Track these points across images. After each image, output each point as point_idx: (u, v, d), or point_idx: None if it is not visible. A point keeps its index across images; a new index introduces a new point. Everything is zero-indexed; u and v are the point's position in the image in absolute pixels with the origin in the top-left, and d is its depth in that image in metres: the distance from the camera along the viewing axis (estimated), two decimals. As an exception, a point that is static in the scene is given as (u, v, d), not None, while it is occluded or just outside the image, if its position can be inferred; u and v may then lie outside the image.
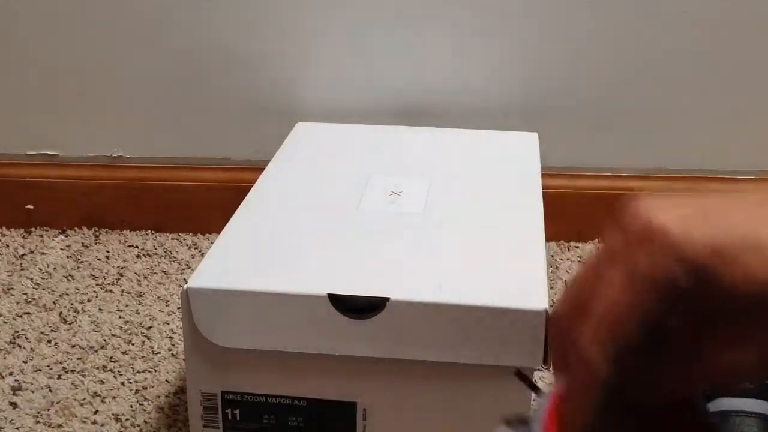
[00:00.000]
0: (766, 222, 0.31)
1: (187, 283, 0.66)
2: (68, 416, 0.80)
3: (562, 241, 1.09)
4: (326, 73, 1.06)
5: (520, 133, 0.94)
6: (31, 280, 1.01)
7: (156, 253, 1.07)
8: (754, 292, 0.30)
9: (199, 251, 1.08)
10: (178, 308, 0.95)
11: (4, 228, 1.12)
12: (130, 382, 0.84)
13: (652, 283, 0.31)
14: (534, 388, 0.36)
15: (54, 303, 0.97)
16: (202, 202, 1.10)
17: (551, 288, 0.98)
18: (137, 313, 0.95)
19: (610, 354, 0.32)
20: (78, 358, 0.87)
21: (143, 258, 1.06)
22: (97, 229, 1.12)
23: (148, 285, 1.00)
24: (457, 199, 0.79)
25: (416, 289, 0.65)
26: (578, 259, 1.06)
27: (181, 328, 0.85)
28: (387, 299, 0.64)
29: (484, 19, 1.03)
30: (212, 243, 0.73)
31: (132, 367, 0.86)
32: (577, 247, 1.08)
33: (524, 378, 0.37)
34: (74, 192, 1.12)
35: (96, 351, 0.89)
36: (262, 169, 0.86)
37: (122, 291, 0.99)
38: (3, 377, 0.85)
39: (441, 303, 0.64)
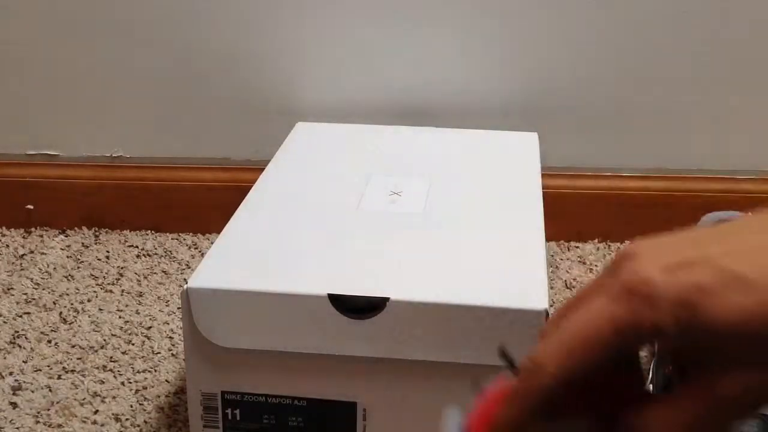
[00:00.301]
0: (748, 256, 0.32)
1: (187, 283, 0.66)
2: (68, 416, 0.80)
3: (562, 241, 1.09)
4: (326, 73, 1.06)
5: (520, 133, 0.95)
6: (31, 280, 1.01)
7: (156, 253, 1.07)
8: (740, 323, 0.31)
9: (199, 251, 1.08)
10: (178, 308, 0.95)
11: (4, 228, 1.12)
12: (130, 382, 0.84)
13: (632, 329, 0.33)
14: (513, 368, 0.36)
15: (54, 303, 0.97)
16: (202, 202, 1.10)
17: (551, 288, 0.98)
18: (137, 313, 0.95)
19: (564, 368, 0.34)
20: (78, 358, 0.87)
21: (143, 258, 1.06)
22: (97, 229, 1.12)
23: (148, 285, 1.00)
24: (457, 199, 0.79)
25: (416, 289, 0.65)
26: (578, 259, 1.06)
27: (181, 328, 0.86)
28: (387, 299, 0.64)
29: (484, 19, 1.03)
30: (212, 243, 0.73)
31: (132, 367, 0.86)
32: (577, 247, 1.08)
33: (507, 357, 0.37)
34: (74, 192, 1.11)
35: (96, 351, 0.89)
36: (262, 169, 0.86)
37: (122, 291, 0.99)
38: (3, 377, 0.85)
39: (441, 303, 0.64)
